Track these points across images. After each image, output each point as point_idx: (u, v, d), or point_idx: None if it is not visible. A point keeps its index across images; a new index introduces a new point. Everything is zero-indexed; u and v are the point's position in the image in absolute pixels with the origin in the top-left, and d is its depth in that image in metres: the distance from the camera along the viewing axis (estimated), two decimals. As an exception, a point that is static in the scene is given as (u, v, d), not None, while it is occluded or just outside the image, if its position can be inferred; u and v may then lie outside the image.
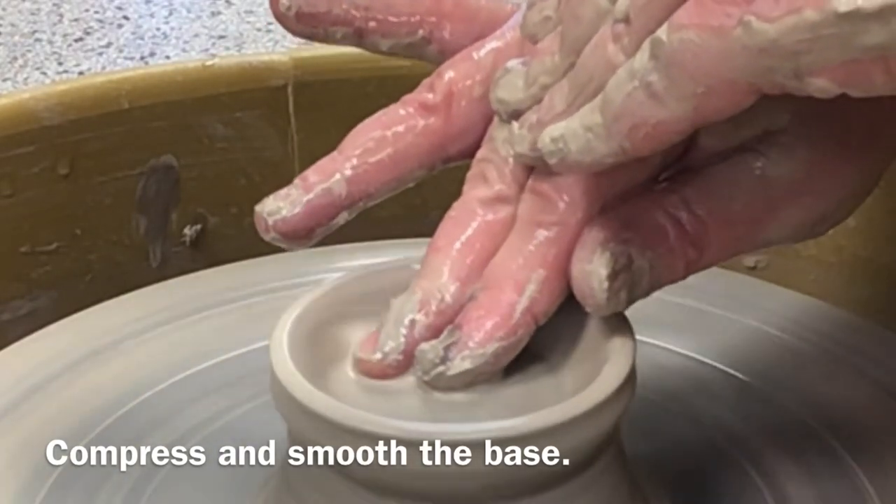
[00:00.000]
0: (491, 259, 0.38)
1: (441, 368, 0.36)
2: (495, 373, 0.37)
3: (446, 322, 0.37)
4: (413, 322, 0.37)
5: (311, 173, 0.40)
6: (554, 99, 0.36)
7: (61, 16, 1.87)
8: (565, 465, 0.36)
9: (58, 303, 0.60)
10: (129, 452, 0.47)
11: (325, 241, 0.63)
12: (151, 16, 1.89)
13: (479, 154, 0.40)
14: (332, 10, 0.41)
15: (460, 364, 0.36)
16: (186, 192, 0.64)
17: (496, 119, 0.39)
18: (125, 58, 1.72)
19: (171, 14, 1.89)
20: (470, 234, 0.38)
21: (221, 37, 1.76)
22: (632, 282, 0.37)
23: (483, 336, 0.36)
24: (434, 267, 0.38)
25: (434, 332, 0.37)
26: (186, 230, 0.65)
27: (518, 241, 0.37)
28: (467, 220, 0.39)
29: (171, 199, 0.64)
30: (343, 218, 0.41)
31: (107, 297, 0.58)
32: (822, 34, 0.29)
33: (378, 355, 0.38)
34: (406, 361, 0.38)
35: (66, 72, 1.67)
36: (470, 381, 0.37)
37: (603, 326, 0.38)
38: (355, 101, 0.65)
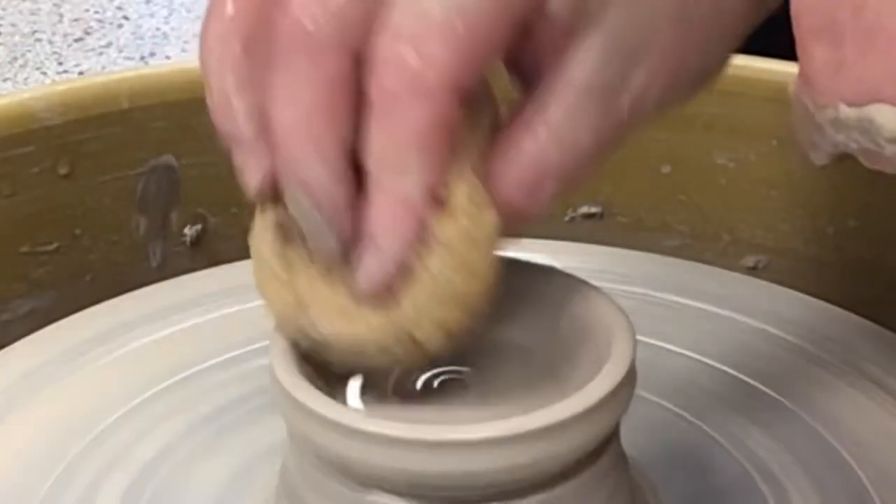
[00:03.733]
0: (348, 114, 0.34)
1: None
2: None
3: (347, 204, 0.35)
4: (325, 220, 0.35)
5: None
6: None
7: (61, 16, 1.87)
8: (565, 465, 0.36)
9: (58, 303, 0.60)
10: (129, 452, 0.47)
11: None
12: (151, 16, 1.89)
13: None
14: None
15: (381, 272, 0.34)
16: (186, 192, 0.64)
17: None
18: (125, 58, 1.72)
19: (171, 14, 1.89)
20: (302, 91, 0.34)
21: (221, 37, 1.75)
22: None
23: (394, 235, 0.34)
24: (291, 152, 0.34)
25: (347, 219, 0.35)
26: (186, 230, 0.65)
27: (381, 119, 0.33)
28: (289, 77, 0.34)
29: (171, 199, 0.64)
30: None
31: (107, 297, 0.58)
32: None
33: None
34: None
35: (66, 72, 1.67)
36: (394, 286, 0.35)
37: (603, 326, 0.38)
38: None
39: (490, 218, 0.35)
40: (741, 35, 0.39)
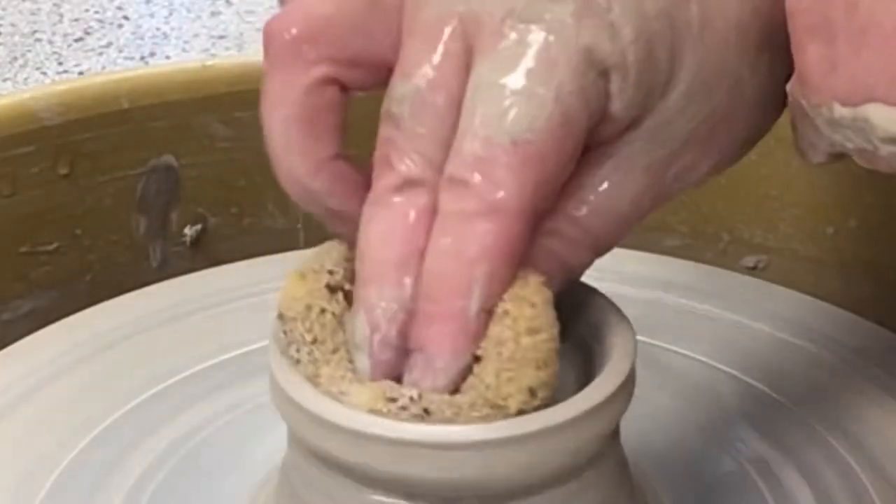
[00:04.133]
0: (422, 250, 0.35)
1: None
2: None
3: (402, 330, 0.35)
4: (371, 345, 0.36)
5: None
6: None
7: (61, 16, 1.87)
8: (565, 466, 0.36)
9: (58, 303, 0.60)
10: (129, 452, 0.47)
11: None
12: (151, 16, 1.88)
13: (381, 133, 0.37)
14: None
15: (434, 385, 0.35)
16: (186, 192, 0.64)
17: (392, 89, 0.36)
18: (125, 58, 1.72)
19: (171, 14, 1.88)
20: (392, 229, 0.36)
21: (221, 37, 1.76)
22: None
23: (447, 355, 0.35)
24: (368, 275, 0.36)
25: (394, 348, 0.36)
26: (186, 230, 0.65)
27: (447, 236, 0.34)
28: (385, 214, 0.36)
29: (171, 199, 0.64)
30: None
31: (107, 297, 0.58)
32: None
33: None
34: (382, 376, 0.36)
35: (66, 72, 1.67)
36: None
37: (603, 326, 0.38)
38: (354, 101, 0.65)
39: (537, 278, 0.35)
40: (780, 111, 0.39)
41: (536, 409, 0.35)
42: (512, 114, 0.34)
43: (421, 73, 0.35)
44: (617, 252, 0.60)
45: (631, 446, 0.40)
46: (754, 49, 0.37)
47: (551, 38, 0.34)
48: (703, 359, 0.52)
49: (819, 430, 0.47)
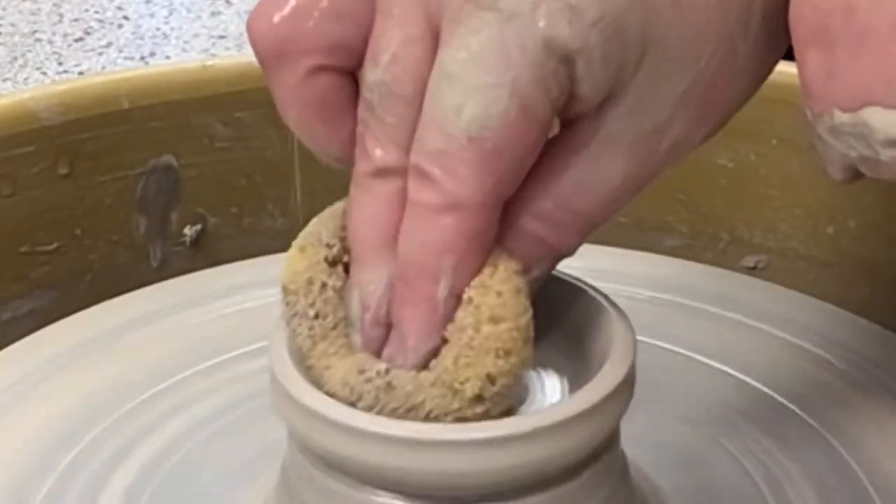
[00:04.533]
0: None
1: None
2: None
3: (383, 322, 0.36)
4: (363, 322, 0.37)
5: None
6: None
7: (61, 16, 1.87)
8: (564, 466, 0.36)
9: (58, 303, 0.60)
10: (129, 452, 0.47)
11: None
12: (151, 16, 1.88)
13: (359, 113, 0.37)
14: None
15: (405, 362, 0.36)
16: (186, 192, 0.64)
17: (364, 73, 0.36)
18: (125, 58, 1.72)
19: (171, 14, 1.88)
20: (374, 212, 0.36)
21: (221, 37, 1.76)
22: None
23: (418, 335, 0.35)
24: (357, 256, 0.37)
25: (384, 325, 0.36)
26: (186, 230, 0.65)
27: (414, 226, 0.35)
28: (365, 197, 0.36)
29: (171, 199, 0.64)
30: None
31: (107, 297, 0.58)
32: None
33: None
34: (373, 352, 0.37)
35: (66, 72, 1.67)
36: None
37: (603, 326, 0.38)
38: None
39: (508, 267, 0.35)
40: (783, 52, 0.38)
41: (498, 395, 0.35)
42: (468, 108, 0.33)
43: (387, 60, 0.35)
44: (617, 252, 0.60)
45: (631, 446, 0.40)
46: (743, 4, 0.35)
47: (506, 27, 0.33)
48: (704, 359, 0.52)
49: (819, 431, 0.47)
